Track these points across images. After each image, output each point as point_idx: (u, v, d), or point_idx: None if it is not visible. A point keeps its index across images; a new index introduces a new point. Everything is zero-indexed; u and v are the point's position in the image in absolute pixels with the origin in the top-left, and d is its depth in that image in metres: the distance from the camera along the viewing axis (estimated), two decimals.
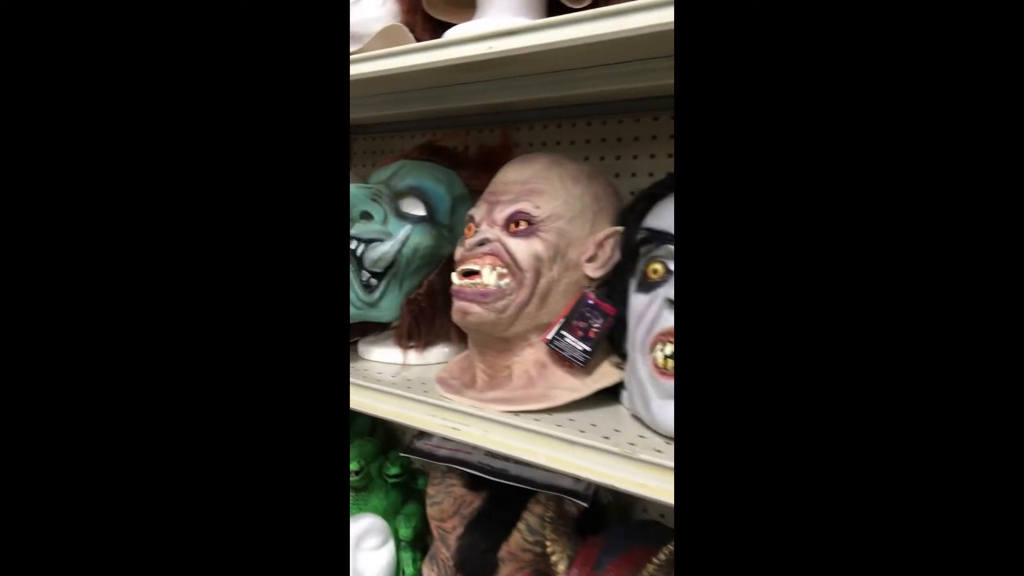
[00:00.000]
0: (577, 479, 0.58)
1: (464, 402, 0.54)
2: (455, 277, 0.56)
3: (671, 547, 0.45)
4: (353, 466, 0.65)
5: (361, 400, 0.60)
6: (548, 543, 0.54)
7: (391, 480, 0.69)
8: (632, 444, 0.45)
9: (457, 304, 0.55)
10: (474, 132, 0.89)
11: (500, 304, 0.52)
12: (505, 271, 0.52)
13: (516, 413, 0.50)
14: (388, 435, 0.94)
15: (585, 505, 0.56)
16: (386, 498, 0.68)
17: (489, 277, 0.53)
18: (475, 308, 0.53)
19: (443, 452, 0.64)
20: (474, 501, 0.61)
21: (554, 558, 0.52)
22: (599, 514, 0.62)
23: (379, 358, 0.69)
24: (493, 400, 0.53)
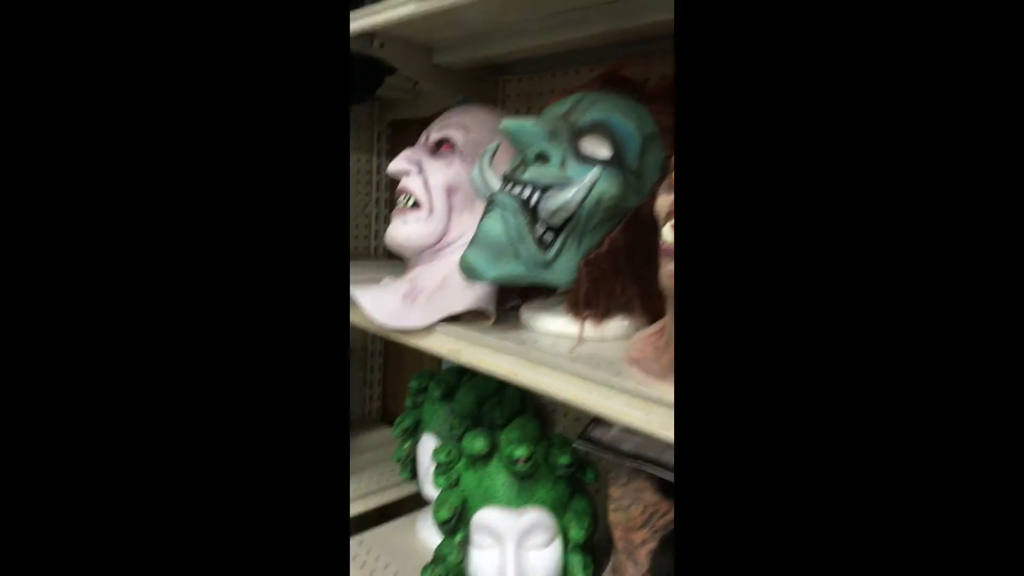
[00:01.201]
0: None
1: (672, 391, 0.42)
2: (666, 232, 0.43)
3: None
4: (522, 451, 0.56)
5: (537, 378, 0.50)
6: None
7: (560, 471, 0.59)
8: None
9: (669, 267, 0.42)
10: (656, 61, 0.75)
11: None
12: None
13: None
14: (538, 413, 0.85)
15: None
16: (553, 490, 0.59)
17: None
18: None
19: (628, 447, 0.53)
20: (669, 511, 0.49)
21: None
22: None
23: (548, 328, 0.58)
24: None
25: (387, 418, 1.33)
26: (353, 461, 1.07)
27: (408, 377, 1.32)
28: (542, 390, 0.49)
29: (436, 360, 1.20)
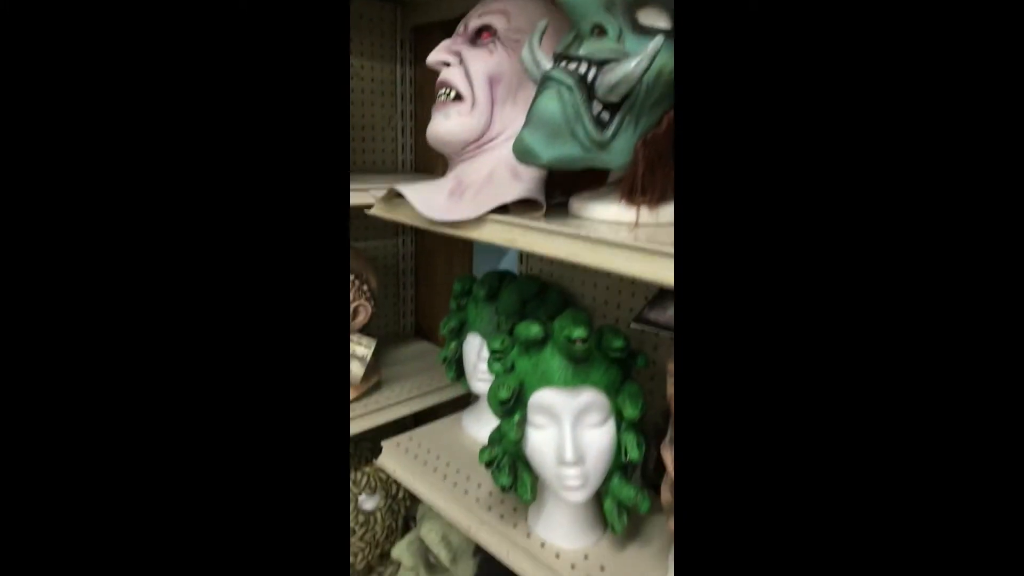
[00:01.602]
0: None
1: None
2: None
3: None
4: (580, 332, 0.57)
5: (597, 257, 0.50)
6: None
7: (614, 354, 0.60)
8: None
9: None
10: None
11: None
12: None
13: None
14: (564, 301, 0.86)
15: None
16: (607, 373, 0.60)
17: None
18: None
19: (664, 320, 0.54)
20: None
21: None
22: None
23: (600, 216, 0.58)
24: None
25: (420, 332, 1.36)
26: (390, 371, 1.10)
27: (439, 293, 1.34)
28: (603, 266, 0.49)
29: (468, 274, 1.21)
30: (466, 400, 1.03)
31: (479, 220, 0.62)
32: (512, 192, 0.62)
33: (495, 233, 0.61)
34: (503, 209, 0.62)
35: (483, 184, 0.67)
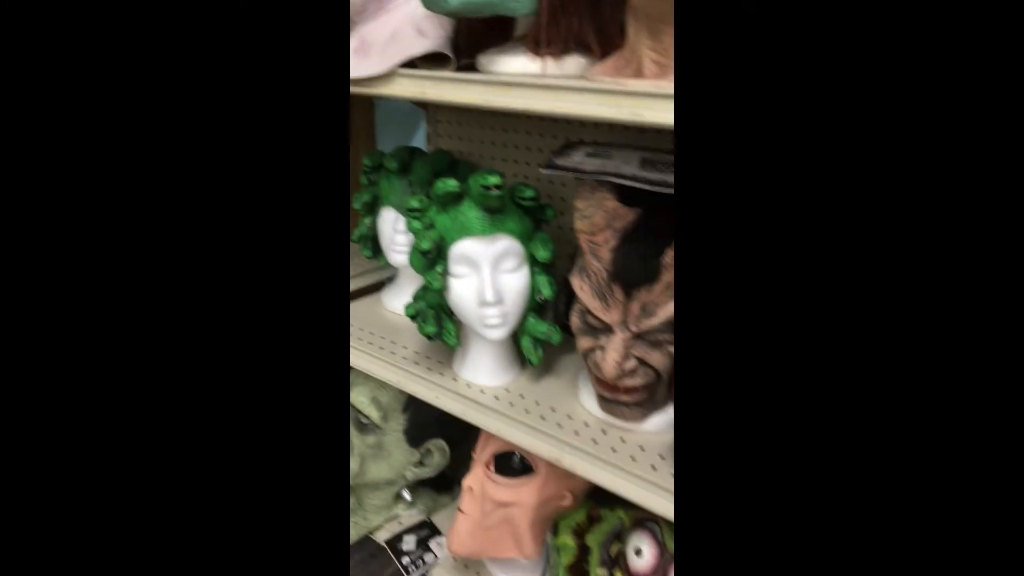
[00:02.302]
0: None
1: (642, 84, 0.47)
2: None
3: None
4: (494, 179, 0.61)
5: (509, 99, 0.53)
6: None
7: (525, 203, 0.65)
8: None
9: None
10: None
11: None
12: None
13: None
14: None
15: None
16: (520, 222, 0.65)
17: None
18: None
19: (590, 167, 0.59)
20: (628, 214, 0.57)
21: None
22: None
23: (508, 67, 0.60)
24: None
25: None
26: None
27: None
28: (518, 107, 0.52)
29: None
30: (381, 285, 1.05)
31: (388, 76, 0.62)
32: (418, 46, 0.62)
33: (405, 87, 0.62)
34: (410, 66, 0.63)
35: (387, 42, 0.66)
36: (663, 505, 0.57)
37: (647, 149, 0.61)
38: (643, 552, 0.67)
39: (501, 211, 0.65)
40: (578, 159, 0.61)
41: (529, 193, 0.65)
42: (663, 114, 0.44)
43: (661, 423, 0.64)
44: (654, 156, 0.59)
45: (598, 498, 0.82)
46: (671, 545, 0.67)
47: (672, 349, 0.59)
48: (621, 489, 0.60)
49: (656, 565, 0.66)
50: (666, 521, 0.70)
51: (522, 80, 0.53)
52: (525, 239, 0.66)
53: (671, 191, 0.55)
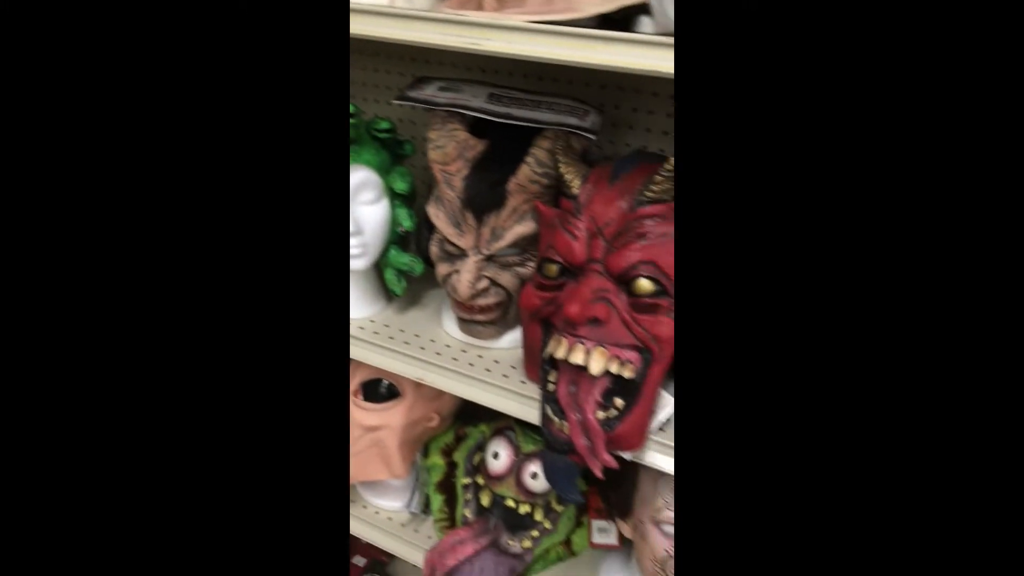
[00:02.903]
0: (583, 115, 0.60)
1: (481, 15, 0.51)
2: None
3: (673, 160, 0.49)
4: (350, 108, 0.62)
5: (355, 27, 0.54)
6: (562, 166, 0.56)
7: (381, 135, 0.67)
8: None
9: None
10: None
11: None
12: None
13: (539, 22, 0.48)
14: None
15: (592, 138, 0.58)
16: (377, 155, 0.67)
17: None
18: None
19: (441, 99, 0.62)
20: (478, 145, 0.61)
21: (568, 177, 0.56)
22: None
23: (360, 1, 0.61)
24: (513, 14, 0.50)
25: None
26: None
27: None
28: (368, 34, 0.54)
29: None
30: None
31: None
32: None
33: None
34: None
35: None
36: (513, 407, 0.65)
37: (495, 85, 0.65)
38: (500, 455, 0.75)
39: (357, 142, 0.66)
40: (430, 92, 0.64)
41: (384, 125, 0.67)
42: (499, 44, 0.49)
43: (513, 340, 0.71)
44: (500, 91, 0.64)
45: (464, 419, 0.89)
46: (525, 446, 0.75)
47: (520, 270, 0.65)
48: (477, 397, 0.66)
49: (511, 464, 0.74)
50: (520, 427, 0.78)
51: (372, 8, 0.54)
52: (383, 172, 0.68)
53: (516, 123, 0.60)
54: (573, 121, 0.59)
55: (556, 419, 0.55)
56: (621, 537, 0.79)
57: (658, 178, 0.51)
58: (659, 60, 0.44)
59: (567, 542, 0.84)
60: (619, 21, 0.55)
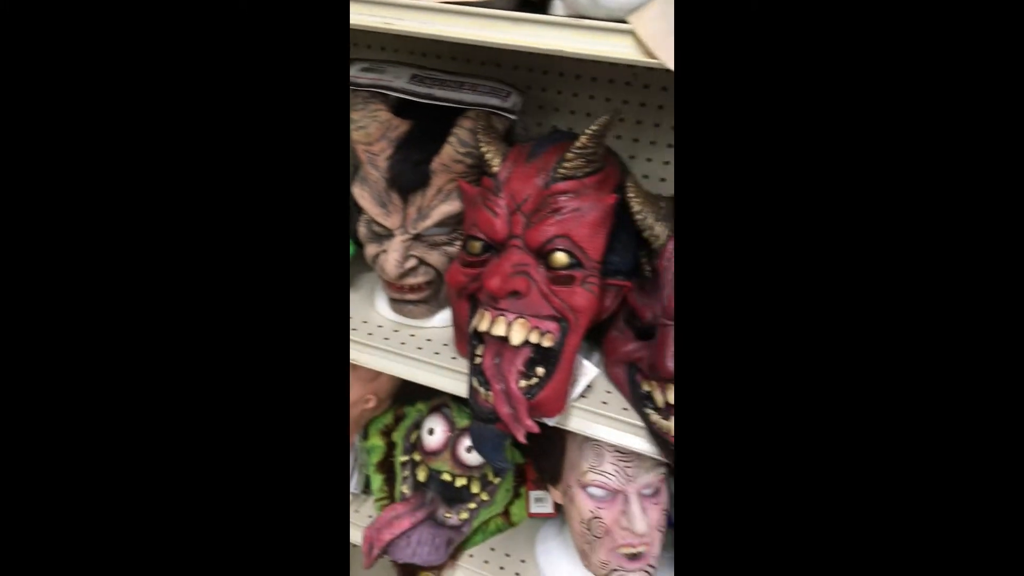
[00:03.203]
0: (505, 96, 0.61)
1: None
2: None
3: (595, 126, 0.52)
4: None
5: None
6: (483, 145, 0.58)
7: None
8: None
9: None
10: None
11: None
12: None
13: (451, 2, 0.49)
14: None
15: (513, 118, 0.60)
16: None
17: None
18: None
19: (364, 80, 0.63)
20: (401, 126, 0.62)
21: (488, 156, 0.57)
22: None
23: None
24: None
25: None
26: None
27: None
28: None
29: None
30: None
31: None
32: None
33: None
34: None
35: None
36: (447, 383, 0.66)
37: (418, 67, 0.66)
38: (435, 431, 0.77)
39: None
40: (354, 73, 0.64)
41: None
42: (412, 24, 0.50)
43: (444, 319, 0.73)
44: (423, 72, 0.65)
45: (403, 400, 0.90)
46: (460, 421, 0.77)
47: (449, 249, 0.66)
48: (411, 375, 0.68)
49: (446, 440, 0.76)
50: (456, 403, 0.80)
51: None
52: None
53: (438, 103, 0.61)
54: (495, 102, 0.61)
55: (482, 390, 0.58)
56: (557, 505, 0.82)
57: (569, 155, 0.53)
58: (564, 40, 0.46)
59: (506, 513, 0.87)
60: (538, 5, 0.57)
